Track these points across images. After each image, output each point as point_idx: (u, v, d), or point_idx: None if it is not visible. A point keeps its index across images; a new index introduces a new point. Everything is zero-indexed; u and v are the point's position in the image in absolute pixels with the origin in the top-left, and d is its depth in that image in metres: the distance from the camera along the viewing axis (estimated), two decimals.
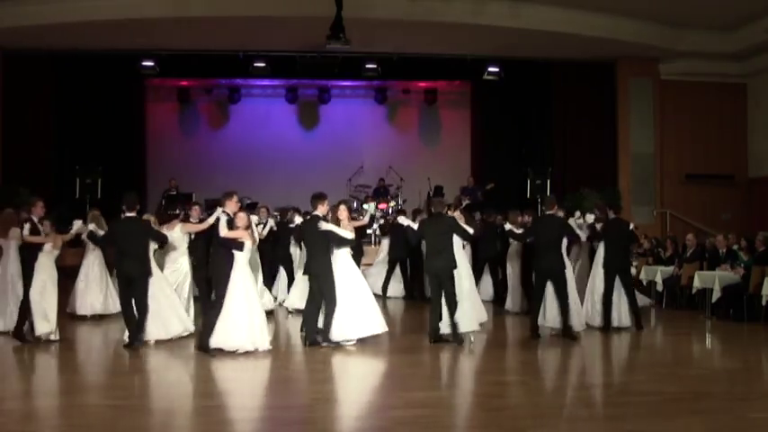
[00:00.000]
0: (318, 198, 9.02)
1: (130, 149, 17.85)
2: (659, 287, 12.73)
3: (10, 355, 8.55)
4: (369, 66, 16.98)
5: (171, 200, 15.67)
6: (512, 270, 11.70)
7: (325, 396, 6.80)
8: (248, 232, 8.44)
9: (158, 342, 8.79)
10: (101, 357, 8.71)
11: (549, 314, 9.40)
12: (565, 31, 15.12)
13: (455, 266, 8.88)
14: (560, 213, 10.16)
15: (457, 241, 9.18)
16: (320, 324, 8.73)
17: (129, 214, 8.81)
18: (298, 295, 10.71)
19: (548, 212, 9.72)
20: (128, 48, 15.87)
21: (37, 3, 13.88)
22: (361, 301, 8.85)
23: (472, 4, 14.42)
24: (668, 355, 9.04)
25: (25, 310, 8.81)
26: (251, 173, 18.20)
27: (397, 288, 13.52)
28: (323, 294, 8.72)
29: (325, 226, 8.78)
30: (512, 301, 11.66)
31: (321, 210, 8.97)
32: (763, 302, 10.60)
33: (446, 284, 8.83)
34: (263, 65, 16.68)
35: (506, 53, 16.66)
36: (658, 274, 12.76)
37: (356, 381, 7.53)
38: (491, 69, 17.19)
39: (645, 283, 12.97)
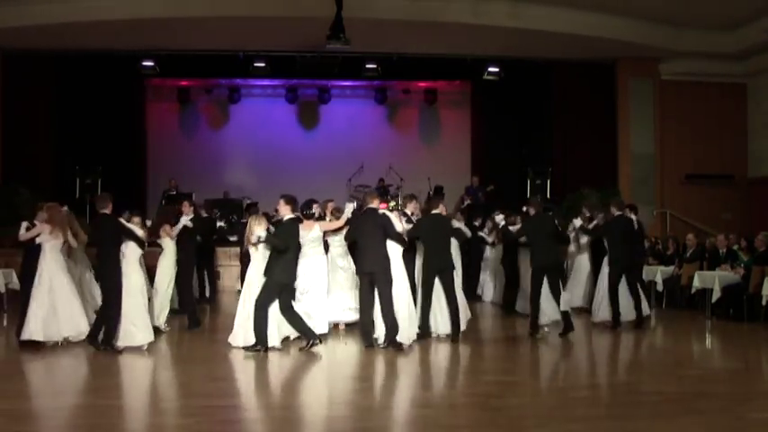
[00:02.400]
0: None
1: (130, 149, 17.86)
2: (659, 287, 12.74)
3: (10, 355, 8.56)
4: (369, 66, 16.99)
5: (171, 200, 15.66)
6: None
7: (324, 396, 6.81)
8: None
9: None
10: (101, 359, 8.71)
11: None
12: (565, 31, 15.13)
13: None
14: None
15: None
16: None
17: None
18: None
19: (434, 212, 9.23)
20: (128, 48, 15.88)
21: (37, 3, 13.89)
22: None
23: (472, 4, 14.44)
24: (668, 355, 9.04)
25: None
26: (251, 173, 18.21)
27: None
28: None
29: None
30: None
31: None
32: (763, 302, 10.61)
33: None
34: (263, 65, 16.69)
35: (506, 53, 16.67)
36: (658, 274, 12.76)
37: (355, 381, 7.52)
38: (491, 69, 17.20)
39: (645, 282, 12.96)
